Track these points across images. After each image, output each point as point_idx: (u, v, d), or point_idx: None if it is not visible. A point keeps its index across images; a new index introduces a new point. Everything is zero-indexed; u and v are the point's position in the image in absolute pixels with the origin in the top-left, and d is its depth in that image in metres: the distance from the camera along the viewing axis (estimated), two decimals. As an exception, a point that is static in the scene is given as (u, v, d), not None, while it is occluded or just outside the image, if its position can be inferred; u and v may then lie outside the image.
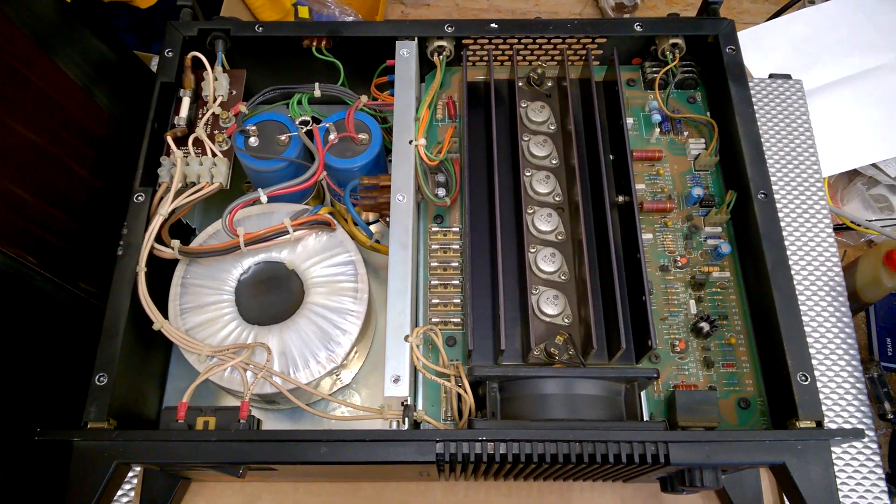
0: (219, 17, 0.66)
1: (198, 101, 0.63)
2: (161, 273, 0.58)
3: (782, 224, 0.57)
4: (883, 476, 0.66)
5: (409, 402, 0.52)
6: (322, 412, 0.59)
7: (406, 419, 0.52)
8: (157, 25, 1.32)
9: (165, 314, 0.56)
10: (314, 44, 0.65)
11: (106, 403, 0.50)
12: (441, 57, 0.66)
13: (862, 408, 0.68)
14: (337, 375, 0.60)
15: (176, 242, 0.57)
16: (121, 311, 0.53)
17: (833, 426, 0.67)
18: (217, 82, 0.63)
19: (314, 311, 0.58)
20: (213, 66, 0.63)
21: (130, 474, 0.63)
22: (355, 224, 0.62)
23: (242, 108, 0.63)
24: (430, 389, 0.56)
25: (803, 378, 0.51)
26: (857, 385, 0.69)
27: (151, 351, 0.60)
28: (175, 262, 0.59)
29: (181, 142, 0.60)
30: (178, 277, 0.59)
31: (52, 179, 0.61)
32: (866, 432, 0.66)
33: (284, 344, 0.56)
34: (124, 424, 0.52)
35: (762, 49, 1.08)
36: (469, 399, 0.52)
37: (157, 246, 0.56)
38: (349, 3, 1.63)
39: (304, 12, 1.50)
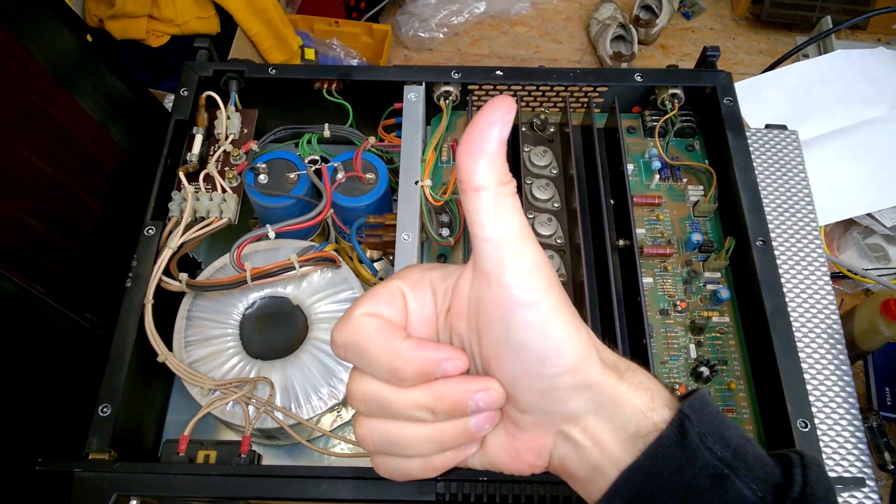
0: (233, 59, 0.68)
1: (210, 139, 0.65)
2: (167, 305, 0.59)
3: (780, 271, 0.58)
4: (883, 526, 0.65)
5: (410, 440, 0.52)
6: (323, 449, 0.59)
7: (407, 457, 0.52)
8: (167, 64, 1.35)
9: (170, 346, 0.57)
10: (325, 86, 0.67)
11: (108, 434, 0.50)
12: (447, 101, 0.68)
13: (862, 457, 0.68)
14: (338, 412, 0.60)
15: (184, 275, 0.57)
16: (127, 342, 0.54)
17: (833, 475, 0.67)
18: (229, 121, 0.64)
19: (318, 346, 0.58)
20: (226, 106, 0.64)
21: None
22: (360, 262, 0.63)
23: (253, 146, 0.64)
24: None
25: (803, 425, 0.51)
26: (857, 434, 0.70)
27: (153, 383, 0.60)
28: (181, 294, 0.60)
29: (192, 177, 0.62)
30: (183, 310, 0.60)
31: (65, 210, 0.62)
32: (867, 482, 0.66)
33: (287, 379, 0.57)
34: (123, 456, 0.52)
35: (758, 100, 1.11)
36: (470, 438, 0.52)
37: (164, 279, 0.57)
38: (354, 46, 1.68)
39: (310, 54, 1.54)
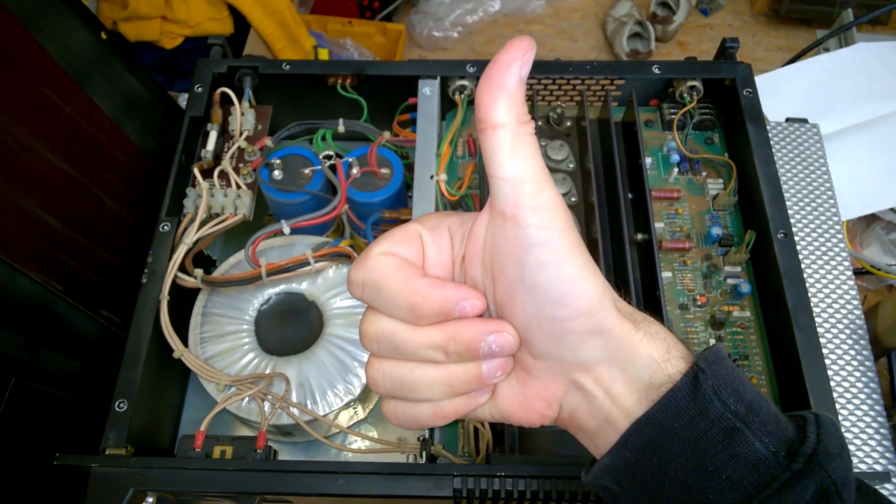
0: (247, 56, 0.69)
1: (224, 135, 0.65)
2: (183, 302, 0.59)
3: (802, 266, 0.57)
4: (910, 525, 0.64)
5: (426, 436, 0.52)
6: (339, 445, 0.59)
7: (423, 453, 0.52)
8: (180, 66, 1.35)
9: (186, 342, 0.57)
10: (339, 81, 0.67)
11: (125, 430, 0.50)
12: (462, 96, 0.67)
13: (887, 454, 0.67)
14: (354, 408, 0.60)
15: (199, 271, 0.57)
16: (143, 338, 0.54)
17: (857, 471, 0.66)
18: (244, 117, 0.64)
19: (333, 342, 0.58)
20: (240, 102, 0.64)
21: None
22: (375, 257, 0.63)
23: (268, 142, 0.64)
24: (447, 424, 0.56)
25: (827, 419, 0.50)
26: (882, 431, 0.68)
27: (169, 379, 0.60)
28: (196, 291, 0.60)
29: (207, 174, 0.62)
30: (199, 306, 0.59)
31: (81, 207, 0.62)
32: (892, 477, 0.65)
33: (303, 375, 0.56)
34: (140, 452, 0.52)
35: (778, 94, 1.09)
36: (487, 434, 0.52)
37: (180, 275, 0.57)
38: (368, 46, 1.67)
39: (324, 54, 1.54)
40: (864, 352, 0.73)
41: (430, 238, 0.30)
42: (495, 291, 0.29)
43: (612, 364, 0.28)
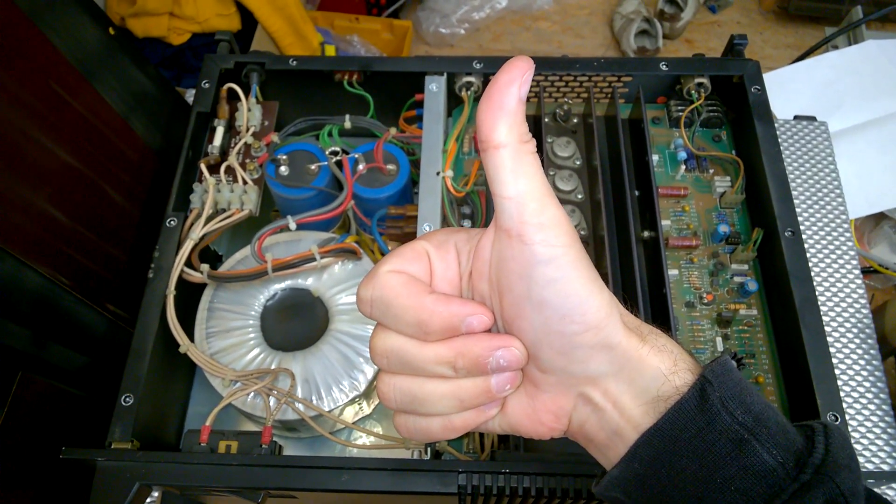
0: (254, 52, 0.69)
1: (231, 131, 0.65)
2: (189, 297, 0.59)
3: (809, 265, 0.57)
4: (916, 525, 0.63)
5: (431, 432, 0.52)
6: (344, 440, 0.59)
7: (428, 449, 0.52)
8: (187, 62, 1.35)
9: (192, 337, 0.57)
10: (346, 77, 0.67)
11: (130, 424, 0.50)
12: (469, 92, 0.67)
13: (894, 454, 0.67)
14: (359, 404, 0.60)
15: (205, 267, 0.58)
16: (149, 333, 0.54)
17: (864, 470, 0.65)
18: (250, 113, 0.64)
19: (338, 338, 0.58)
20: (247, 98, 0.64)
21: (148, 500, 0.63)
22: (381, 253, 0.63)
23: (274, 137, 0.64)
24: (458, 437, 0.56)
25: (833, 418, 0.50)
26: (889, 430, 0.68)
27: (175, 374, 0.61)
28: (203, 286, 0.60)
29: (214, 169, 0.62)
30: (205, 301, 0.60)
31: (88, 202, 0.63)
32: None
33: (308, 370, 0.57)
34: (146, 446, 0.52)
35: (786, 92, 1.08)
36: (492, 430, 0.52)
37: (186, 270, 0.57)
38: (375, 43, 1.67)
39: (330, 51, 1.54)
40: (872, 351, 0.72)
41: (437, 255, 0.31)
42: (503, 307, 0.29)
43: (619, 377, 0.29)
